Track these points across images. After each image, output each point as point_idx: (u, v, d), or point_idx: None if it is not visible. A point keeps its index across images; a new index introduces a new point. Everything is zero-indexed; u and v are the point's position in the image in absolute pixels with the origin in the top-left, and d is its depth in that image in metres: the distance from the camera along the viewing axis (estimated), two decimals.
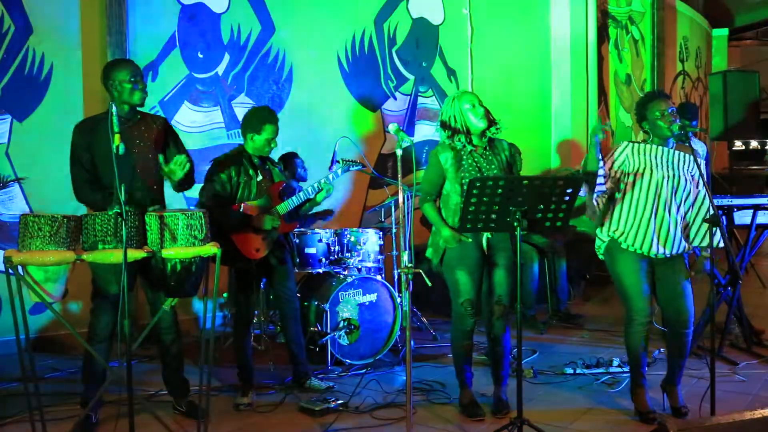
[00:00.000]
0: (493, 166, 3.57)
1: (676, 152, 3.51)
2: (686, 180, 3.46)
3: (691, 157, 3.49)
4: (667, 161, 3.48)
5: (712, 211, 3.35)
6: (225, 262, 3.93)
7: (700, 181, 3.47)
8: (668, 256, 3.47)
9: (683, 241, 3.49)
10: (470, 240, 3.55)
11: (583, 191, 3.46)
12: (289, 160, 5.37)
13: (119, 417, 3.26)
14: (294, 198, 3.98)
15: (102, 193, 3.39)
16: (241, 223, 3.85)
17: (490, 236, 3.57)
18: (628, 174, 3.48)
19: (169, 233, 3.03)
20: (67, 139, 3.53)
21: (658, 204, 3.42)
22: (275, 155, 4.23)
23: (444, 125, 3.61)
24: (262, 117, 3.90)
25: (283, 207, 3.97)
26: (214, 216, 3.81)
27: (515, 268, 3.48)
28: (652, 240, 3.42)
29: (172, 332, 3.61)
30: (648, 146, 3.51)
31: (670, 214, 3.43)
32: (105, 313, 3.38)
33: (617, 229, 3.50)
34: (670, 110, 3.45)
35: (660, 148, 3.50)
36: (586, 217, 3.63)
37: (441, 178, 3.61)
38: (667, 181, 3.43)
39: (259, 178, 3.93)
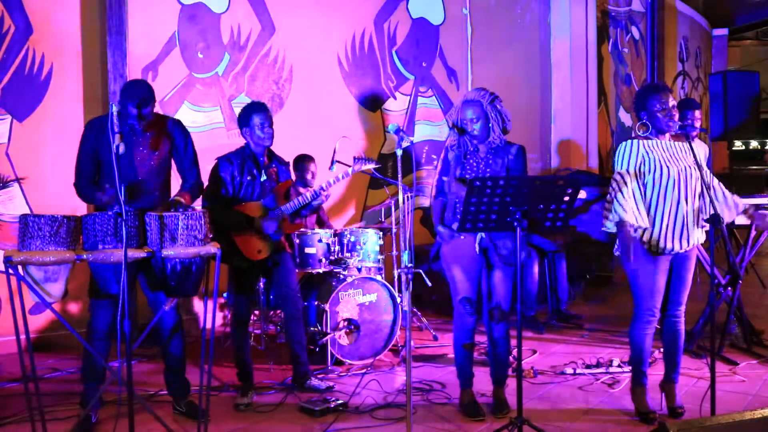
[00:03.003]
0: (492, 169, 3.56)
1: (675, 143, 3.51)
2: (693, 169, 3.45)
3: (688, 147, 3.48)
4: (674, 153, 3.47)
5: (712, 211, 3.34)
6: (226, 260, 3.94)
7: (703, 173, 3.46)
8: (688, 250, 3.48)
9: (699, 235, 3.49)
10: (463, 237, 3.55)
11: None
12: (299, 162, 5.35)
13: (119, 417, 3.26)
14: (300, 198, 3.98)
15: (101, 191, 3.39)
16: (244, 223, 3.85)
17: (483, 236, 3.57)
18: (647, 173, 3.41)
19: (168, 233, 3.03)
20: (68, 139, 3.54)
21: (679, 199, 3.40)
22: (289, 155, 4.20)
23: (453, 126, 3.63)
24: (248, 109, 3.95)
25: (289, 207, 3.97)
26: (216, 216, 3.83)
27: (514, 270, 3.48)
28: (675, 237, 3.41)
29: (175, 333, 3.61)
30: (654, 141, 3.48)
31: (688, 208, 3.41)
32: (102, 309, 3.38)
33: (640, 230, 3.44)
34: (670, 104, 3.44)
35: (663, 141, 3.48)
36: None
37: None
38: (681, 174, 3.41)
39: (263, 178, 3.93)
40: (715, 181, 3.56)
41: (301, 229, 4.76)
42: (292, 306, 4.08)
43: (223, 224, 3.86)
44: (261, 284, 4.62)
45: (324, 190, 4.00)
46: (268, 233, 3.89)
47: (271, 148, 4.03)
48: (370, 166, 4.22)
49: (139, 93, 3.42)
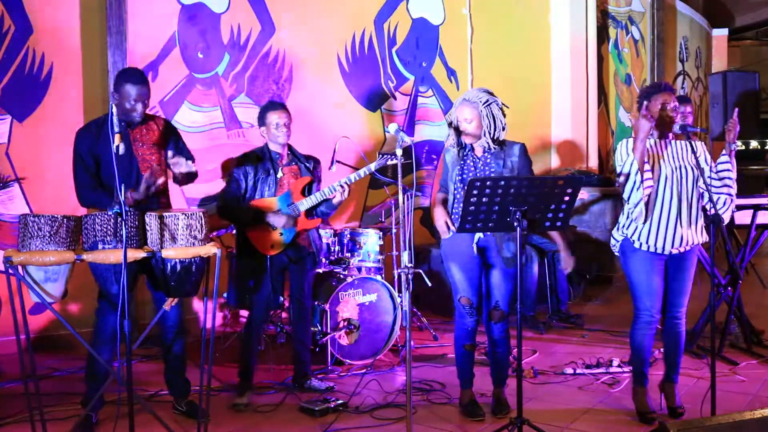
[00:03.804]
0: (490, 169, 3.55)
1: (676, 142, 3.51)
2: (692, 169, 3.44)
3: (689, 146, 3.48)
4: (673, 153, 3.47)
5: (713, 211, 3.34)
6: (240, 255, 3.99)
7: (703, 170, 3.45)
8: (682, 252, 3.48)
9: (696, 236, 3.48)
10: (454, 232, 3.54)
11: (631, 189, 3.37)
12: None
13: (119, 417, 3.26)
14: (318, 194, 3.97)
15: (106, 194, 3.40)
16: (256, 218, 3.86)
17: (481, 236, 3.56)
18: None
19: (169, 233, 3.03)
20: (68, 139, 3.54)
21: (672, 199, 3.40)
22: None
23: (450, 125, 3.62)
24: (264, 108, 4.01)
25: (304, 203, 3.97)
26: (230, 212, 3.91)
27: (514, 271, 3.48)
28: (666, 238, 3.40)
29: (176, 333, 3.61)
30: (654, 139, 3.48)
31: (683, 210, 3.41)
32: (109, 314, 3.37)
33: (630, 227, 3.46)
34: (673, 105, 3.44)
35: (662, 140, 3.49)
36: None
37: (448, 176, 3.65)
38: (678, 174, 3.40)
39: (280, 174, 3.95)
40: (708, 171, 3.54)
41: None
42: (299, 306, 4.08)
43: (237, 220, 3.93)
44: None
45: (343, 188, 3.96)
46: (275, 227, 3.89)
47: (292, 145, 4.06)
48: (395, 162, 4.18)
49: (135, 72, 3.51)
